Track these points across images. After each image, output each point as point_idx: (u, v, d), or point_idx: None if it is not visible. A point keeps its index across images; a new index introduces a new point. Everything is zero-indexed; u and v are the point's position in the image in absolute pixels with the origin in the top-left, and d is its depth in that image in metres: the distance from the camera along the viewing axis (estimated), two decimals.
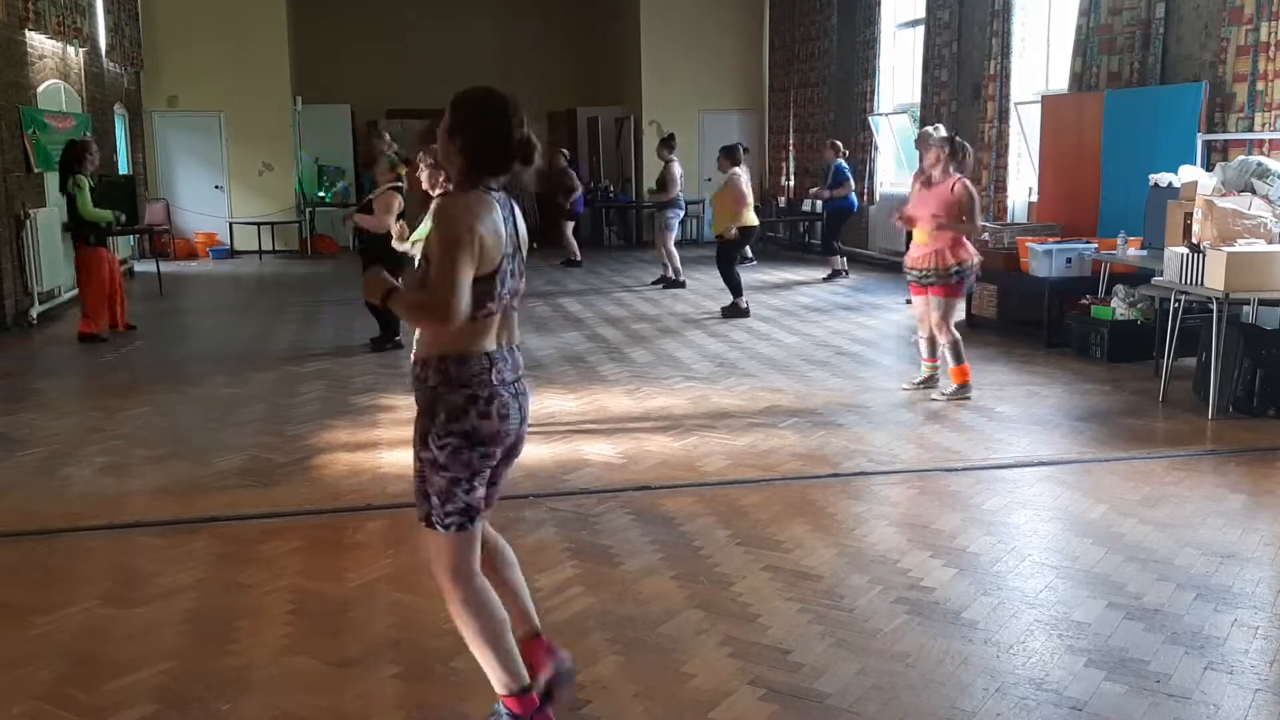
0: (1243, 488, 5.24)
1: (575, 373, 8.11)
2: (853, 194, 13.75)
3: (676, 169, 13.06)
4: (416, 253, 6.19)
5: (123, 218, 10.16)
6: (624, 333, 9.87)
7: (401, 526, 4.80)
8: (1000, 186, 11.85)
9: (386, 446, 6.09)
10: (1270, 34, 8.16)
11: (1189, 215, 7.30)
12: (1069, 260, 8.75)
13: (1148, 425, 6.49)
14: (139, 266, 14.98)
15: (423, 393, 2.92)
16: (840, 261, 13.68)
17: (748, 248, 12.41)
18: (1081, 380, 7.59)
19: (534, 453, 5.93)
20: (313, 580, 4.23)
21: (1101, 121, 9.67)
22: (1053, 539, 4.64)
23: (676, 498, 5.18)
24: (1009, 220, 11.36)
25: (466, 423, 2.84)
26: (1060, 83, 11.03)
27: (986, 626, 3.72)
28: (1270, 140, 8.16)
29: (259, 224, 17.41)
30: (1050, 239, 9.14)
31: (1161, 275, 7.05)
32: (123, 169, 15.18)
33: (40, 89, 11.42)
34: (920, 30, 13.79)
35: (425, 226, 5.91)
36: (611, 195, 18.61)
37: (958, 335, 7.04)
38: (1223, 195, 7.31)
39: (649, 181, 13.82)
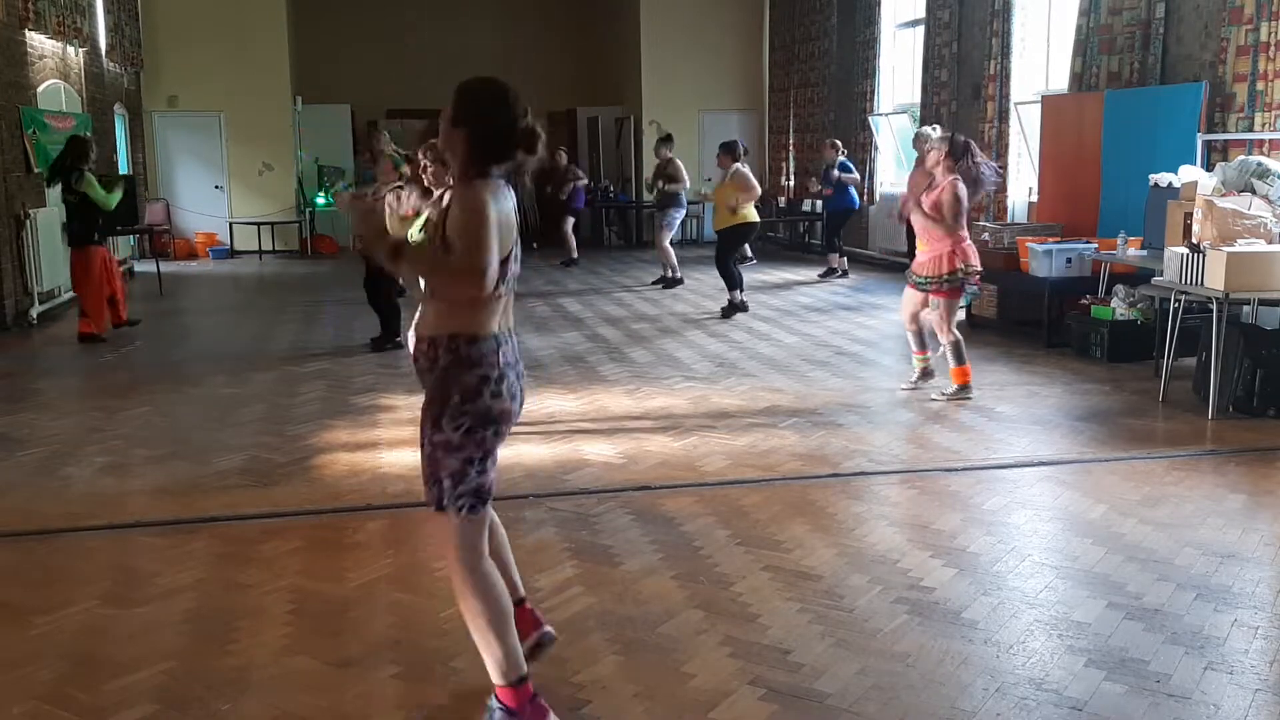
0: (1243, 488, 5.24)
1: (575, 373, 8.11)
2: (854, 192, 13.75)
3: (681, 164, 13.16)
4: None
5: (120, 190, 10.17)
6: (624, 333, 9.87)
7: (401, 526, 4.81)
8: (1000, 186, 11.84)
9: (386, 446, 6.09)
10: (1270, 34, 8.16)
11: (1189, 215, 7.31)
12: (1069, 260, 8.75)
13: (1148, 425, 6.49)
14: (139, 266, 14.98)
15: (432, 374, 2.93)
16: (840, 261, 13.69)
17: (747, 246, 12.41)
18: (1081, 380, 7.59)
19: (534, 453, 5.93)
20: (313, 580, 4.23)
21: (1101, 121, 9.67)
22: (1053, 539, 4.64)
23: (676, 498, 5.18)
24: (1009, 220, 11.36)
25: (480, 403, 2.90)
26: (1060, 83, 11.03)
27: (986, 626, 3.72)
28: (1270, 140, 8.16)
29: (259, 224, 17.41)
30: (1050, 239, 9.14)
31: (1161, 275, 7.05)
32: (123, 169, 15.17)
33: (40, 89, 11.42)
34: (920, 30, 13.80)
35: (420, 223, 5.90)
36: (611, 195, 18.61)
37: (958, 335, 7.04)
38: (1223, 195, 7.31)
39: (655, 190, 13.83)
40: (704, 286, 12.69)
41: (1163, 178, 8.44)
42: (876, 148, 15.13)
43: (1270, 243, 6.73)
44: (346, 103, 18.51)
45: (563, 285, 13.33)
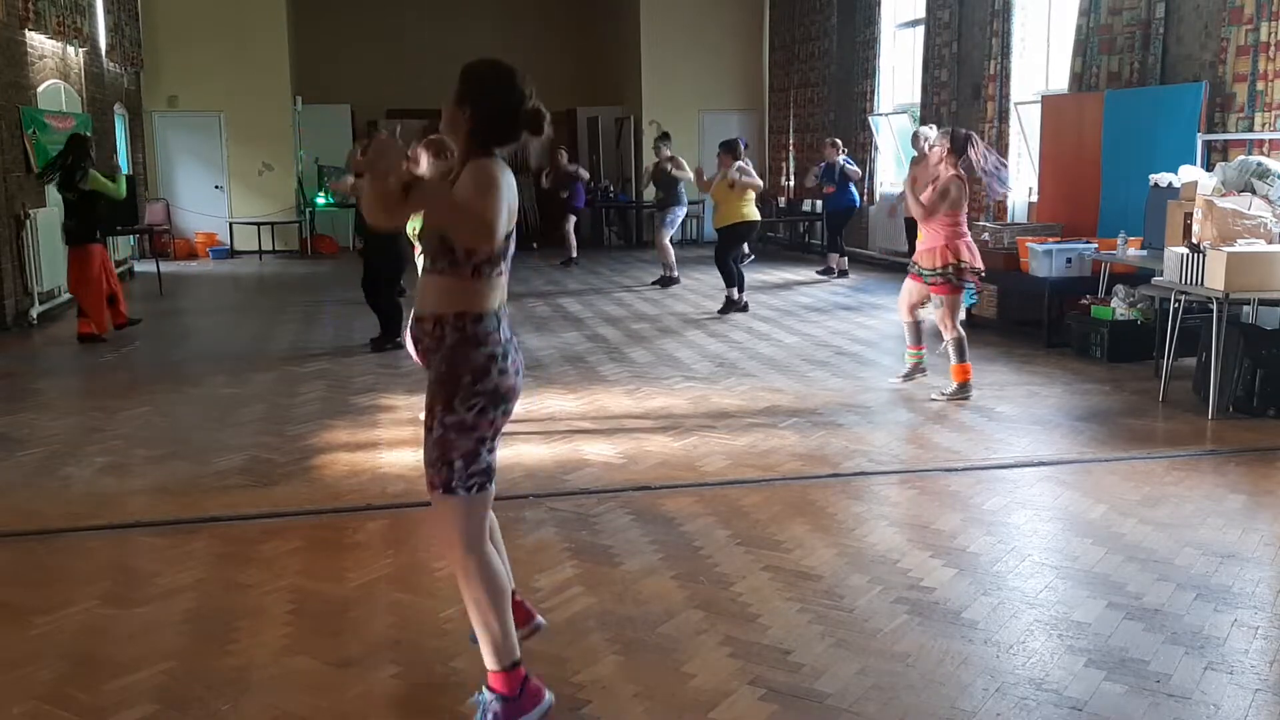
0: (1243, 488, 5.24)
1: (575, 373, 8.11)
2: (855, 191, 13.75)
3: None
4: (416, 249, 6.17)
5: (124, 180, 10.21)
6: (624, 333, 9.87)
7: (401, 526, 4.81)
8: (1006, 182, 11.83)
9: (386, 446, 6.09)
10: (1270, 34, 8.16)
11: (1189, 215, 7.31)
12: (1069, 260, 8.75)
13: (1148, 425, 6.49)
14: (139, 266, 14.99)
15: (439, 353, 2.93)
16: (840, 261, 13.69)
17: (746, 245, 12.41)
18: (1081, 380, 7.59)
19: (534, 453, 5.93)
20: (313, 580, 4.23)
21: (1101, 121, 9.67)
22: (1053, 539, 4.64)
23: (676, 498, 5.18)
24: (1009, 220, 11.36)
25: (490, 381, 2.93)
26: (1060, 83, 11.03)
27: (986, 626, 3.72)
28: (1270, 140, 8.16)
29: (259, 224, 17.42)
30: (1050, 239, 9.14)
31: (1161, 275, 7.06)
32: (123, 169, 15.18)
33: (40, 89, 11.42)
34: (920, 30, 13.80)
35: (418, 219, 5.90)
36: (611, 195, 18.61)
37: (961, 333, 7.03)
38: (1223, 195, 7.31)
39: (649, 184, 13.83)
40: (704, 286, 12.69)
41: (1163, 178, 8.44)
42: (876, 148, 15.13)
43: (1270, 243, 6.73)
44: (346, 103, 18.51)
45: (563, 285, 13.33)
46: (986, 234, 9.67)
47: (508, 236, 2.97)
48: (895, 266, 13.57)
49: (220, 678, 3.43)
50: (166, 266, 14.89)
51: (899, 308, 7.37)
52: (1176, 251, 6.82)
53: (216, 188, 17.40)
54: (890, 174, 15.08)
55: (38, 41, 11.37)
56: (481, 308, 2.94)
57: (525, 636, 3.31)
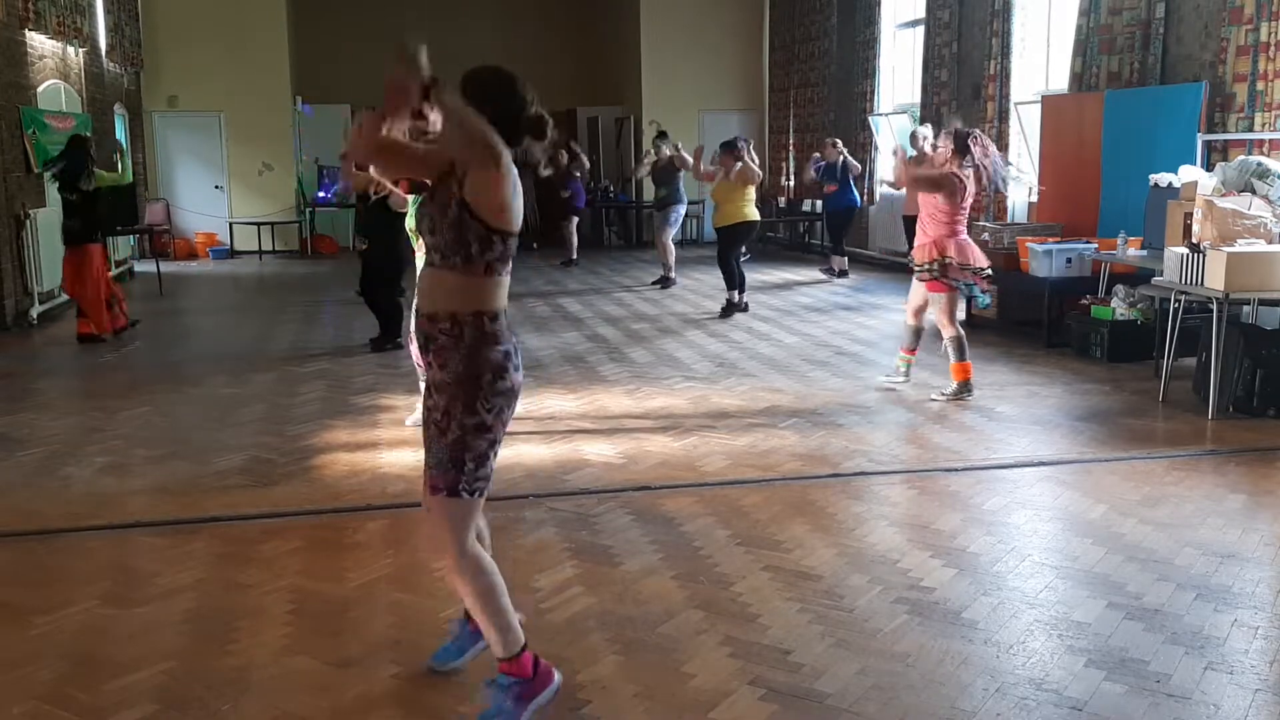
0: (1243, 488, 5.24)
1: (575, 373, 8.11)
2: (855, 191, 13.75)
3: None
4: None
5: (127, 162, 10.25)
6: (624, 333, 9.87)
7: (401, 526, 4.81)
8: (1006, 179, 11.83)
9: (386, 446, 6.09)
10: (1270, 34, 8.16)
11: (1189, 215, 7.31)
12: (1069, 260, 8.75)
13: (1148, 425, 6.49)
14: (139, 266, 14.99)
15: (457, 351, 2.92)
16: (841, 261, 13.68)
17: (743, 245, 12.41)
18: (1081, 380, 7.59)
19: (534, 453, 5.93)
20: (313, 580, 4.23)
21: (1101, 121, 9.67)
22: (1053, 539, 4.64)
23: (676, 498, 5.18)
24: (1009, 220, 11.36)
25: (507, 380, 2.96)
26: (1060, 83, 11.03)
27: (986, 626, 3.72)
28: (1270, 140, 8.16)
29: (259, 224, 17.42)
30: (1050, 239, 9.14)
31: (1161, 275, 7.06)
32: (122, 144, 15.16)
33: (40, 89, 11.42)
34: (920, 30, 13.80)
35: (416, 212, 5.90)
36: (611, 195, 18.60)
37: (959, 332, 7.02)
38: (1223, 195, 7.31)
39: (649, 183, 13.81)
40: (704, 286, 12.70)
41: (1163, 178, 8.44)
42: (876, 148, 15.13)
43: (1270, 243, 6.73)
44: (346, 103, 18.50)
45: (563, 285, 13.33)
46: (986, 234, 9.67)
47: (511, 237, 2.99)
48: (895, 266, 13.57)
49: (220, 678, 3.43)
50: (166, 266, 14.89)
51: (907, 309, 7.38)
52: (1176, 251, 6.82)
53: (216, 188, 17.40)
54: (890, 174, 15.05)
55: (38, 41, 11.37)
56: (496, 306, 2.97)
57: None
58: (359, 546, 4.60)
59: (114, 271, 12.04)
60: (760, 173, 11.06)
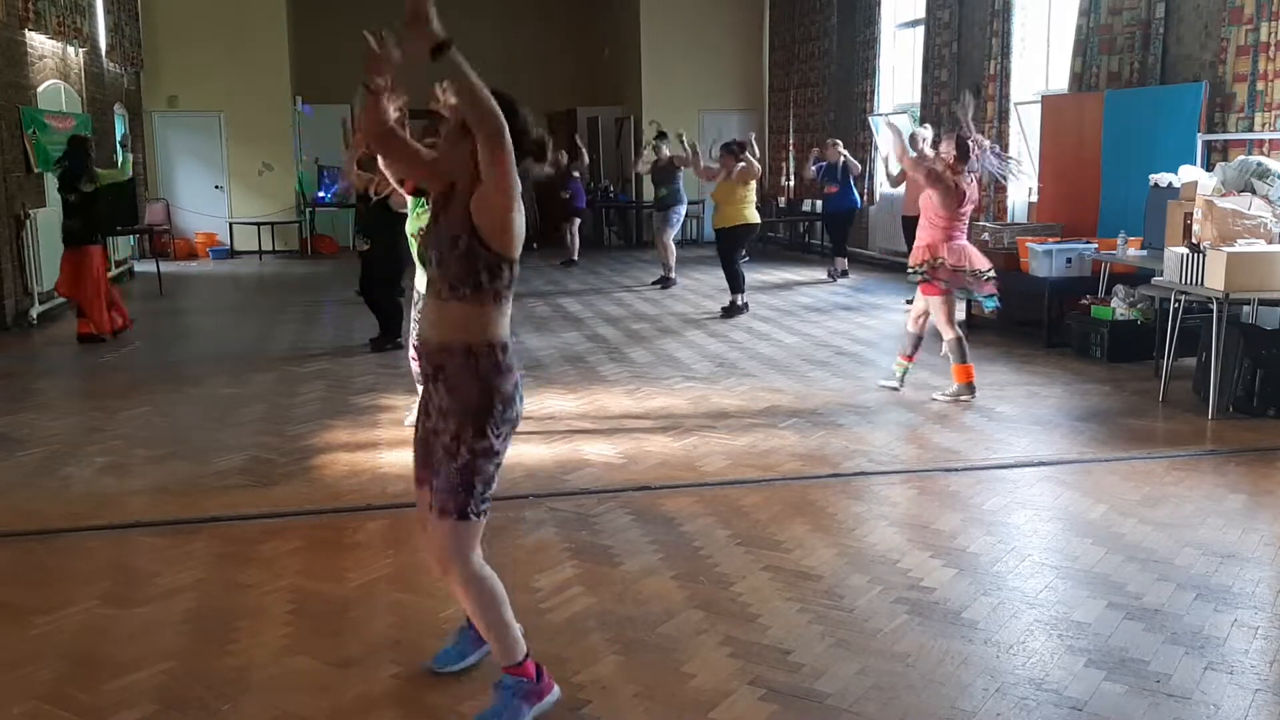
0: (1243, 488, 5.24)
1: (575, 373, 8.11)
2: (856, 192, 13.73)
3: None
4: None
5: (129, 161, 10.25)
6: (624, 333, 9.87)
7: (401, 526, 4.81)
8: (1000, 186, 11.84)
9: (386, 446, 6.09)
10: (1270, 34, 8.16)
11: (1189, 215, 7.31)
12: (1069, 260, 8.75)
13: (1148, 425, 6.49)
14: (139, 266, 14.99)
15: (474, 384, 2.93)
16: (841, 261, 13.67)
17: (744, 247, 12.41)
18: (1081, 380, 7.59)
19: (534, 453, 5.93)
20: (313, 580, 4.23)
21: (1101, 121, 9.67)
22: (1053, 539, 4.64)
23: (676, 498, 5.18)
24: (1009, 220, 11.36)
25: (514, 409, 3.02)
26: (1060, 83, 11.03)
27: (986, 626, 3.72)
28: (1270, 140, 8.16)
29: (259, 224, 17.42)
30: (1050, 239, 9.14)
31: (1161, 275, 7.05)
32: (120, 133, 15.16)
33: (40, 89, 11.42)
34: (920, 30, 13.80)
35: (422, 218, 5.91)
36: (611, 195, 18.60)
37: (959, 333, 7.02)
38: (1223, 195, 7.31)
39: (649, 184, 13.82)
40: (704, 286, 12.70)
41: (1163, 178, 8.44)
42: (876, 148, 15.12)
43: (1270, 243, 6.73)
44: (346, 103, 18.48)
45: (563, 285, 13.33)
46: (986, 234, 9.67)
47: (516, 264, 3.01)
48: (895, 266, 13.56)
49: (220, 678, 3.43)
50: (166, 267, 14.89)
51: (909, 315, 7.37)
52: (1176, 251, 6.82)
53: (216, 188, 17.40)
54: (888, 147, 15.01)
55: (38, 41, 11.37)
56: (506, 336, 3.01)
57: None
58: (359, 546, 4.60)
59: (114, 272, 12.05)
60: (759, 167, 11.03)
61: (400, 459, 5.75)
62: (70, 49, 12.60)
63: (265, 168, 17.39)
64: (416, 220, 6.07)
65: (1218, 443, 6.06)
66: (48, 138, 11.07)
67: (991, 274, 7.01)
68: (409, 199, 6.19)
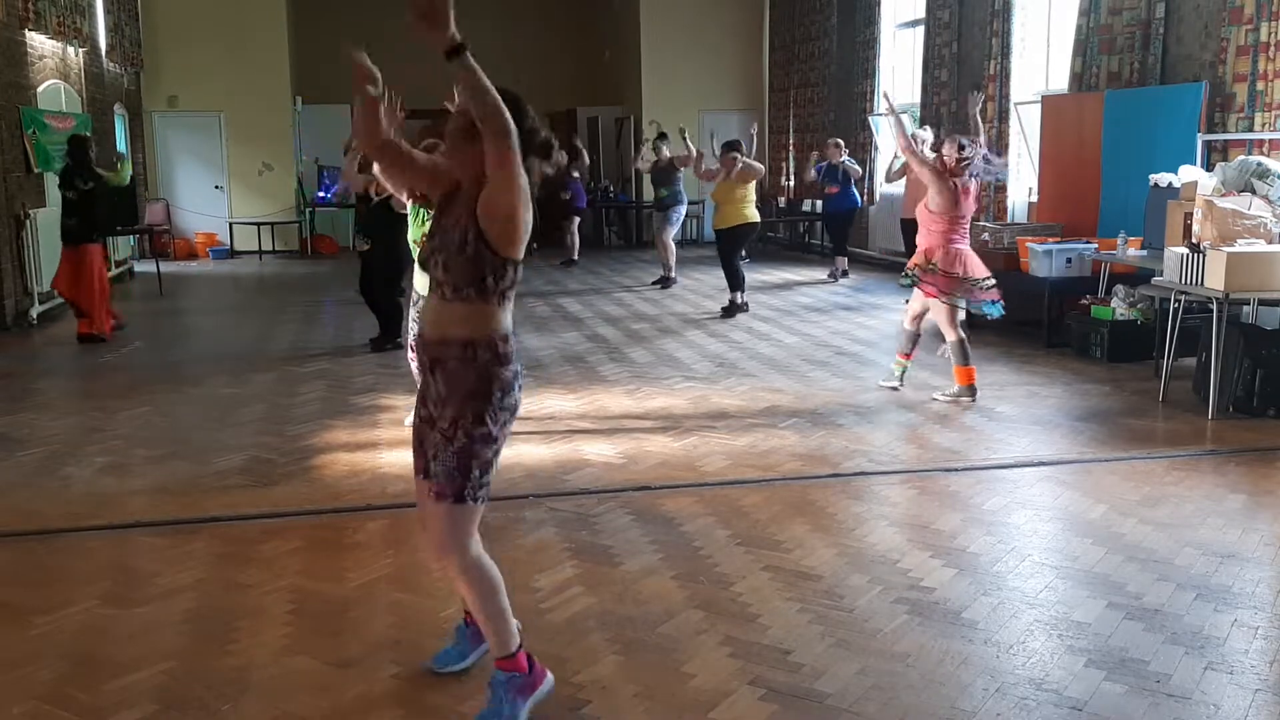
0: (1243, 488, 5.24)
1: (575, 373, 8.11)
2: (856, 192, 13.73)
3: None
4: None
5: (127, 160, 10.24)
6: (624, 333, 9.87)
7: (401, 526, 4.81)
8: (1000, 186, 11.85)
9: (386, 446, 6.09)
10: (1270, 34, 8.16)
11: (1189, 215, 7.31)
12: (1069, 260, 8.75)
13: (1148, 425, 6.49)
14: (139, 266, 14.99)
15: (472, 372, 2.97)
16: (841, 261, 13.67)
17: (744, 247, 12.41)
18: (1081, 380, 7.59)
19: (534, 453, 5.93)
20: (313, 580, 4.23)
21: (1101, 121, 9.67)
22: (1053, 539, 4.64)
23: (676, 498, 5.18)
24: (1009, 220, 11.36)
25: (513, 397, 3.05)
26: (1060, 83, 11.03)
27: (986, 626, 3.72)
28: (1270, 140, 8.16)
29: (259, 224, 17.41)
30: (1050, 239, 9.14)
31: (1161, 275, 7.05)
32: (121, 149, 15.17)
33: (40, 89, 11.42)
34: (920, 30, 13.80)
35: (421, 224, 5.92)
36: (611, 195, 18.60)
37: (961, 335, 7.01)
38: (1223, 195, 7.31)
39: (649, 184, 13.84)
40: (704, 286, 12.70)
41: (1163, 178, 8.44)
42: (876, 148, 15.13)
43: (1270, 243, 6.73)
44: (346, 103, 18.49)
45: (563, 285, 13.33)
46: (986, 234, 9.67)
47: (520, 265, 3.04)
48: (895, 267, 13.54)
49: (220, 678, 3.43)
50: (166, 266, 14.88)
51: (905, 314, 7.38)
52: (1176, 251, 6.82)
53: (216, 188, 17.40)
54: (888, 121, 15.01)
55: (38, 41, 11.37)
56: (507, 328, 3.05)
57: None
58: (359, 546, 4.60)
59: (114, 272, 12.05)
60: (761, 167, 11.03)
61: (400, 459, 5.75)
62: (70, 49, 12.60)
63: (265, 168, 17.39)
64: (418, 227, 6.08)
65: (1218, 443, 6.06)
66: (48, 138, 11.07)
67: (990, 282, 6.97)
68: (409, 204, 6.19)
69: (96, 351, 9.26)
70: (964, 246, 6.95)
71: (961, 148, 6.86)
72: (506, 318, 3.05)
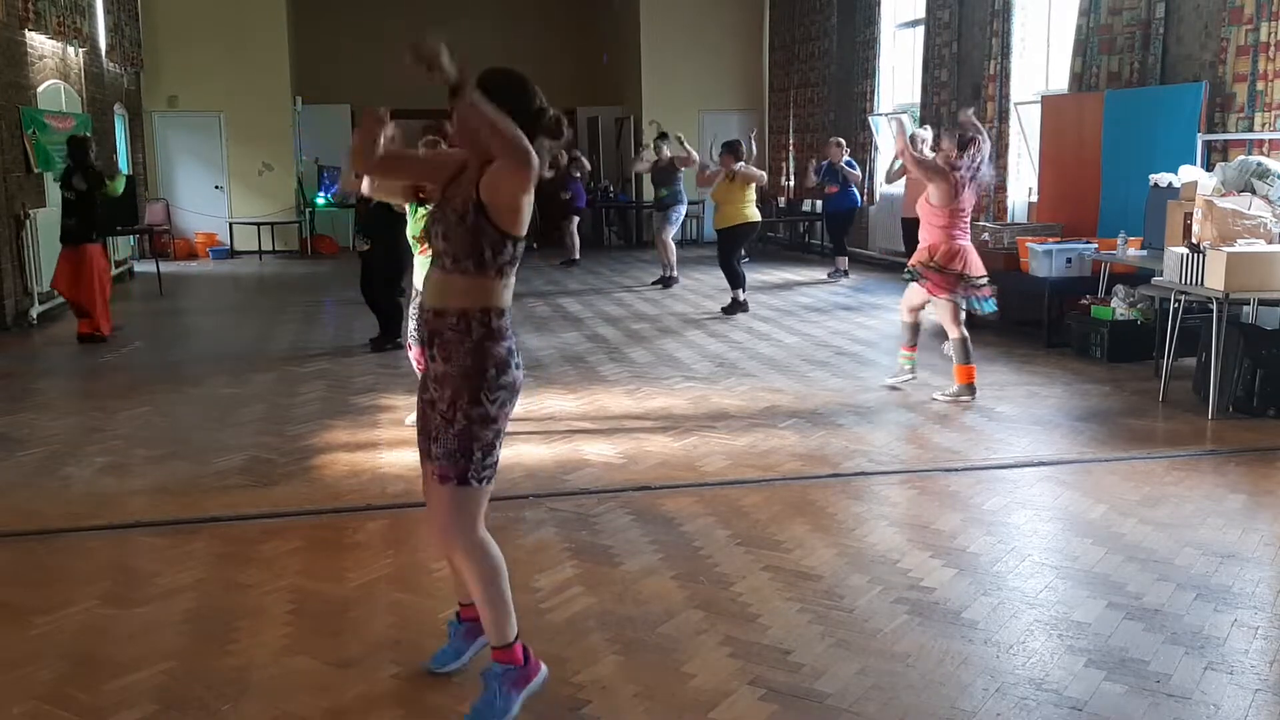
0: (1243, 488, 5.24)
1: (575, 373, 8.11)
2: (856, 191, 13.74)
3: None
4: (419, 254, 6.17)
5: (124, 179, 10.21)
6: (624, 333, 9.87)
7: (401, 526, 4.81)
8: (1000, 186, 11.85)
9: (386, 446, 6.09)
10: (1270, 34, 8.16)
11: (1189, 215, 7.31)
12: (1069, 260, 8.75)
13: (1148, 425, 6.49)
14: (139, 266, 14.99)
15: (464, 346, 2.98)
16: (841, 261, 13.67)
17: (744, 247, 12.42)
18: (1081, 380, 7.59)
19: (534, 453, 5.93)
20: (313, 580, 4.23)
21: (1101, 121, 9.67)
22: (1053, 539, 4.64)
23: (676, 498, 5.18)
24: (1009, 220, 11.36)
25: (509, 375, 3.04)
26: (1060, 83, 11.03)
27: (986, 626, 3.72)
28: (1270, 140, 8.16)
29: (259, 224, 17.41)
30: (1050, 239, 9.14)
31: (1161, 275, 7.05)
32: (123, 169, 15.18)
33: (40, 89, 11.42)
34: (920, 30, 13.80)
35: (421, 221, 5.92)
36: (611, 195, 18.59)
37: (964, 333, 7.00)
38: (1223, 195, 7.31)
39: (649, 184, 13.87)
40: (704, 286, 12.70)
41: (1163, 178, 8.44)
42: (876, 148, 15.13)
43: (1270, 243, 6.73)
44: (346, 103, 18.51)
45: (563, 285, 13.33)
46: (986, 234, 9.67)
47: (521, 241, 3.05)
48: (895, 266, 13.55)
49: (220, 678, 3.43)
50: (166, 267, 14.88)
51: (901, 307, 7.40)
52: (1176, 251, 6.82)
53: (216, 188, 17.40)
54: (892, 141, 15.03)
55: (38, 41, 11.37)
56: (503, 303, 3.04)
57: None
58: (359, 546, 4.60)
59: (114, 272, 12.03)
60: (762, 174, 11.02)
61: (400, 459, 5.75)
62: (70, 49, 12.60)
63: (265, 168, 17.39)
64: (416, 223, 6.08)
65: (1218, 443, 6.06)
66: (48, 138, 11.07)
67: (985, 279, 6.99)
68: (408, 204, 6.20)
69: (96, 351, 9.26)
70: (966, 242, 6.95)
71: (965, 140, 6.87)
72: (504, 294, 3.05)
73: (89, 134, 11.20)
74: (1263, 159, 7.62)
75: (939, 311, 7.05)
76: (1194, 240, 6.88)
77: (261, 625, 3.82)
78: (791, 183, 17.73)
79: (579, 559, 4.40)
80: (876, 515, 4.97)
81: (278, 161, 17.44)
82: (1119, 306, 8.20)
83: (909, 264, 7.16)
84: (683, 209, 13.37)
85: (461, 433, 2.99)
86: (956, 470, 5.58)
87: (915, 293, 7.16)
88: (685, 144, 12.55)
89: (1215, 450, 5.90)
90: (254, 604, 4.01)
